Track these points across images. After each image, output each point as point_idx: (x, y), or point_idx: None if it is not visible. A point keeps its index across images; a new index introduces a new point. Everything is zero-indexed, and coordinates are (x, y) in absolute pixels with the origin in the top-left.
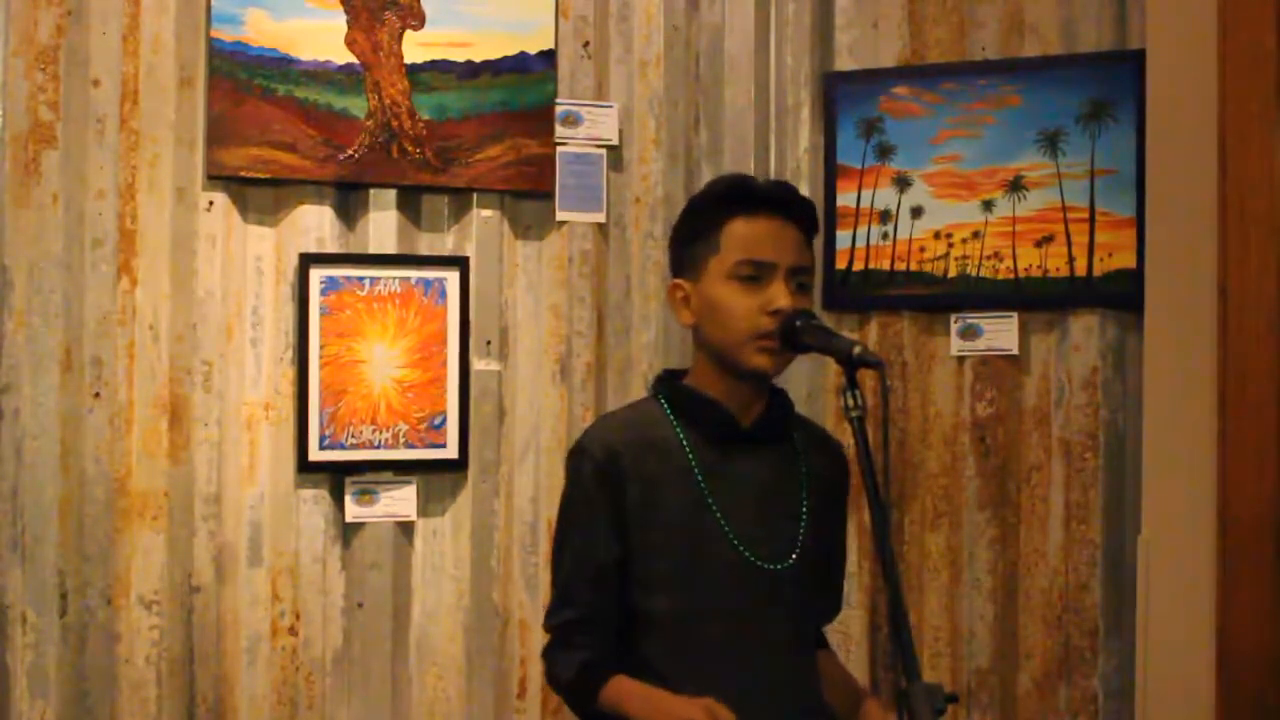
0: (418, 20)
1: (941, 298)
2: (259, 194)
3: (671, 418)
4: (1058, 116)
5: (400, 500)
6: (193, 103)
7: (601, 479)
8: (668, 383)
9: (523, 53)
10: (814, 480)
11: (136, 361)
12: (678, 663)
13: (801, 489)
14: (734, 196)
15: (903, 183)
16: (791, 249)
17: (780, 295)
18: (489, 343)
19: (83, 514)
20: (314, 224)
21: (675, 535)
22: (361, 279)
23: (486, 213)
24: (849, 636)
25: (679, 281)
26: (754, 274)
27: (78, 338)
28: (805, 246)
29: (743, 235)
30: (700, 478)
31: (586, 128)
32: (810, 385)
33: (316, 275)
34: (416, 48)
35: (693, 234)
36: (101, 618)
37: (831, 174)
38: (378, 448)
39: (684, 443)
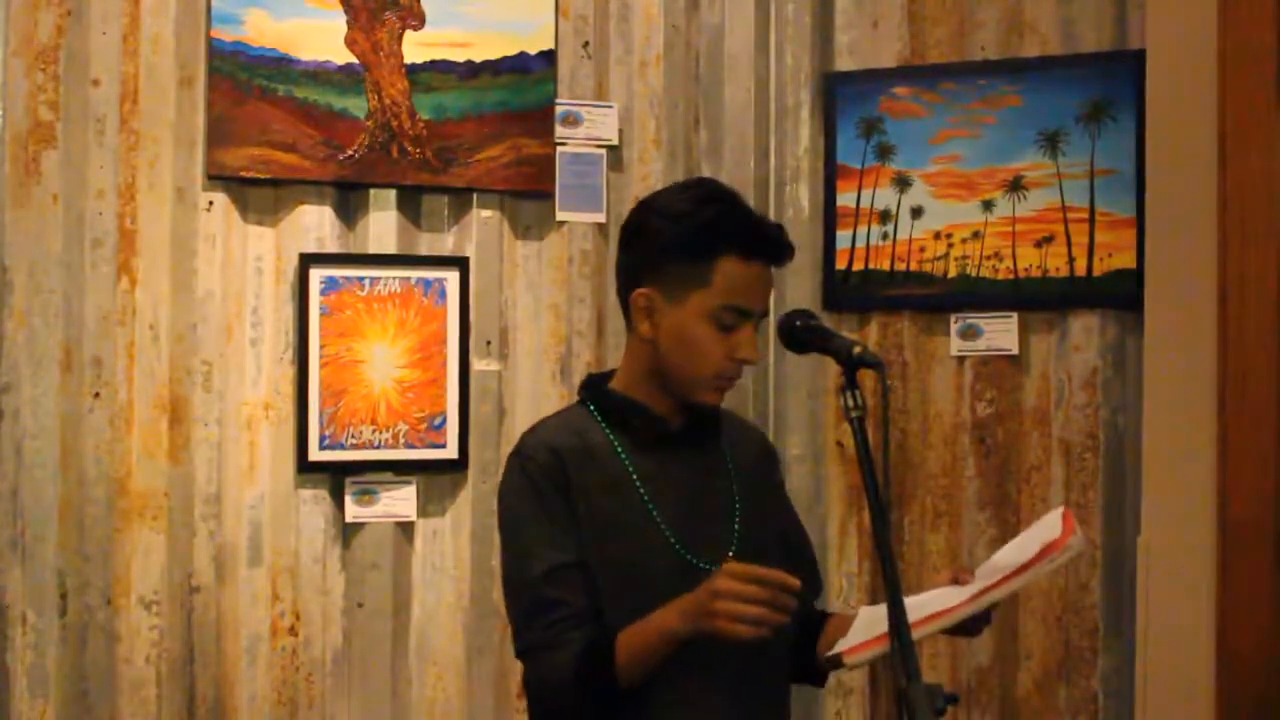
0: (418, 20)
1: (941, 298)
2: (259, 194)
3: (603, 424)
4: (1058, 116)
5: (400, 500)
6: (193, 103)
7: (552, 481)
8: (595, 389)
9: (523, 53)
10: (741, 473)
11: (136, 361)
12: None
13: (731, 484)
14: (737, 232)
15: (903, 183)
16: (768, 296)
17: (748, 345)
18: (489, 343)
19: (83, 514)
20: (314, 224)
21: (619, 544)
22: (361, 279)
23: (486, 213)
24: None
25: (647, 292)
26: (732, 322)
27: (78, 338)
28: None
29: (736, 279)
30: (639, 484)
31: (586, 128)
32: (810, 385)
33: (316, 275)
34: (416, 48)
35: (681, 254)
36: (101, 618)
37: (831, 174)
38: (378, 448)
39: (618, 449)
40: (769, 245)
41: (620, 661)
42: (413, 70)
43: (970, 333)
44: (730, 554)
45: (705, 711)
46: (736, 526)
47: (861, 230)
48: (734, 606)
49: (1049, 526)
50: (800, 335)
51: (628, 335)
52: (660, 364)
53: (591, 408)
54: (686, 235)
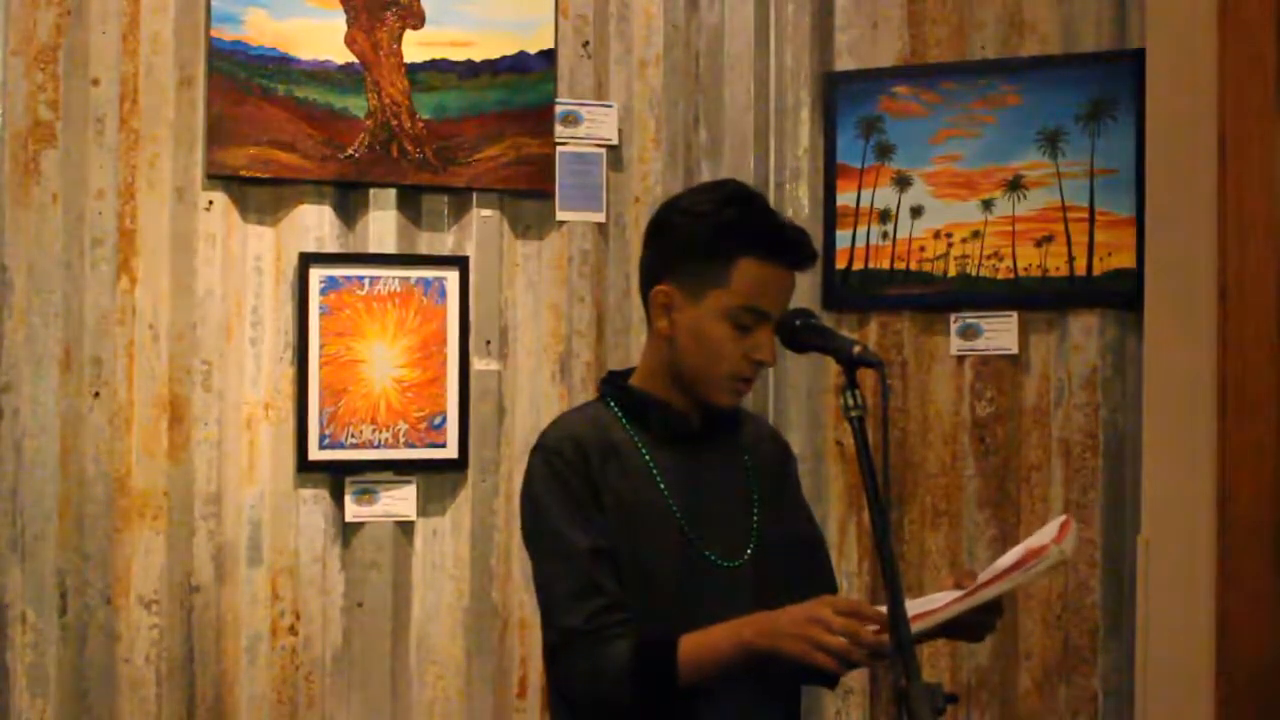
0: (417, 20)
1: (941, 297)
2: (259, 194)
3: (623, 420)
4: (1058, 116)
5: (400, 500)
6: (192, 102)
7: (576, 472)
8: (616, 385)
9: (523, 52)
10: (762, 472)
11: (136, 361)
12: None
13: (751, 483)
14: (758, 233)
15: (902, 182)
16: (788, 298)
17: (766, 346)
18: (489, 342)
19: (83, 514)
20: (314, 223)
21: (638, 538)
22: (361, 278)
23: (486, 212)
24: None
25: (667, 289)
26: (749, 324)
27: (78, 337)
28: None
29: (755, 280)
30: (660, 480)
31: (586, 127)
32: (810, 385)
33: (316, 275)
34: (416, 47)
35: (700, 252)
36: (101, 618)
37: (831, 174)
38: (378, 447)
39: (639, 445)
40: (789, 248)
41: (683, 665)
42: (413, 70)
43: (970, 332)
44: (748, 551)
45: (728, 706)
46: (755, 524)
47: (861, 230)
48: (826, 637)
49: (1045, 533)
50: (800, 335)
51: (648, 332)
52: (677, 361)
53: (612, 404)
54: (706, 234)
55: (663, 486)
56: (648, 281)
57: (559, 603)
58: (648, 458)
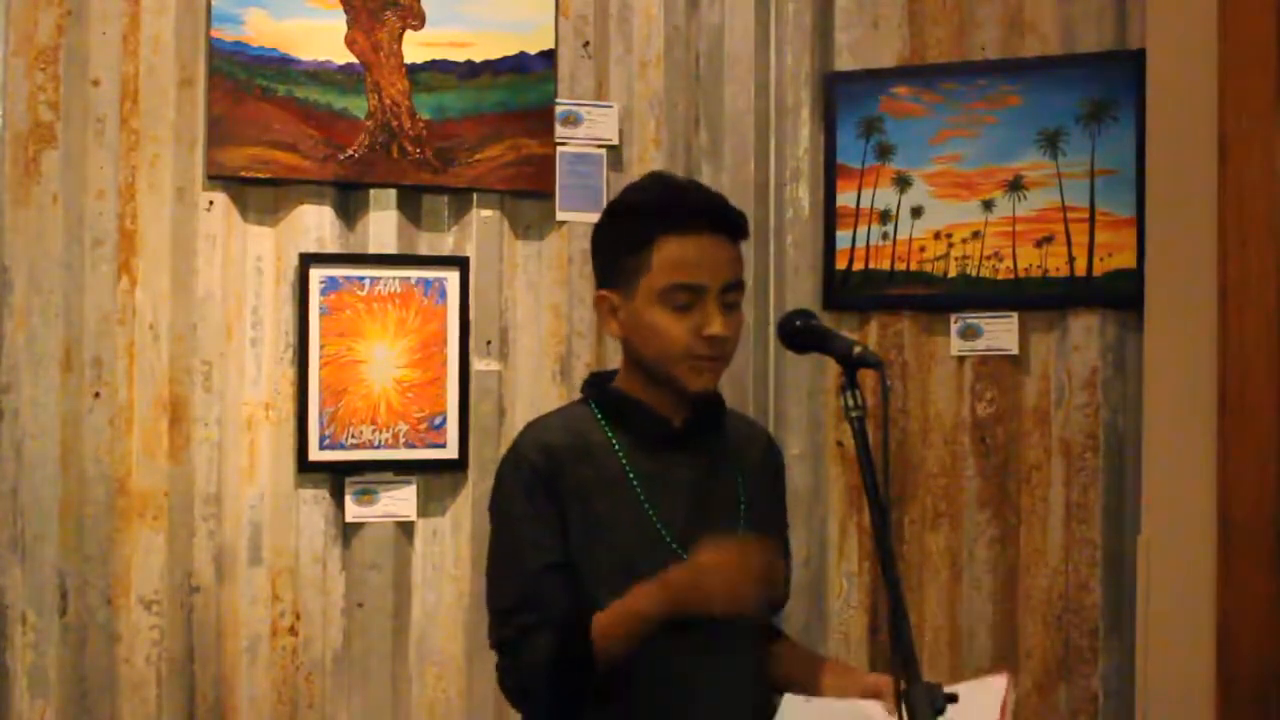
0: (418, 20)
1: (941, 298)
2: (259, 194)
3: (603, 422)
4: (1058, 116)
5: (400, 500)
6: (193, 103)
7: (543, 482)
8: (597, 387)
9: (523, 53)
10: (748, 474)
11: (136, 361)
12: (620, 670)
13: (737, 485)
14: (665, 210)
15: (903, 182)
16: (723, 267)
17: (713, 320)
18: (489, 343)
19: (83, 514)
20: (314, 224)
21: (614, 542)
22: (361, 279)
23: (486, 213)
24: (849, 636)
25: (606, 293)
26: (686, 301)
27: (78, 338)
28: (737, 259)
29: (674, 256)
30: (636, 483)
31: (586, 128)
32: (810, 385)
33: (316, 275)
34: (416, 48)
35: (621, 246)
36: (101, 618)
37: (831, 174)
38: (378, 448)
39: (617, 447)
40: (699, 213)
41: (599, 638)
42: (413, 70)
43: (970, 333)
44: None
45: (695, 693)
46: (740, 529)
47: (861, 230)
48: (751, 591)
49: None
50: (800, 335)
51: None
52: (638, 359)
53: (592, 405)
54: (623, 226)
55: (638, 489)
56: (596, 291)
57: (499, 613)
58: (624, 460)
